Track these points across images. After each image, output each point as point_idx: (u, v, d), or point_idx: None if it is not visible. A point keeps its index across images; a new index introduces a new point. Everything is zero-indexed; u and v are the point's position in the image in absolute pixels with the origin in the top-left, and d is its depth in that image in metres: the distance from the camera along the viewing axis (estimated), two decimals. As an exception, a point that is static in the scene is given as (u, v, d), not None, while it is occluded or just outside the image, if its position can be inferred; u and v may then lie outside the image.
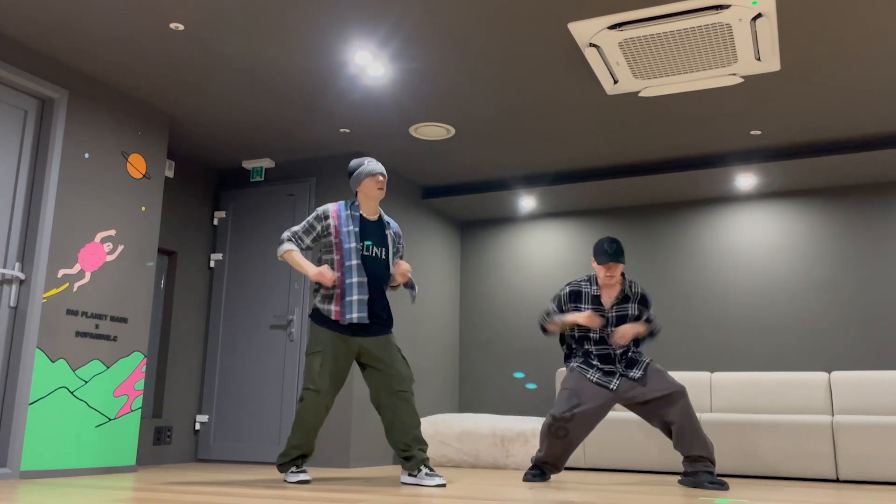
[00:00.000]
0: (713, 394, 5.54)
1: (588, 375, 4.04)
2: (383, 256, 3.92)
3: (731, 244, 6.06)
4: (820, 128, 4.97)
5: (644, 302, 4.15)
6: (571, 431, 3.96)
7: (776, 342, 5.76)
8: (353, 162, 3.98)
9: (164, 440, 5.23)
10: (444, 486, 3.69)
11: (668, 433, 3.98)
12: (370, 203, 3.95)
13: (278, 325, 5.51)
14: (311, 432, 3.79)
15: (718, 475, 4.93)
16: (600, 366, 4.05)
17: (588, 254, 6.50)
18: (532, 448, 5.29)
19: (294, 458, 3.83)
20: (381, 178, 3.92)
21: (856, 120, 4.83)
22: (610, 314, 4.09)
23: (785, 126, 4.95)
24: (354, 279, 3.77)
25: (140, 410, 4.54)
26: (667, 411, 3.93)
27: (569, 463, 5.31)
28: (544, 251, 6.67)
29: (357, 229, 3.85)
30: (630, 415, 5.19)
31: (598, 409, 3.99)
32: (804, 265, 5.82)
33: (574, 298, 4.14)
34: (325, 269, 3.77)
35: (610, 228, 6.48)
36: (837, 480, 4.75)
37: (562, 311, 4.16)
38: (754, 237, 6.00)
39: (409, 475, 3.77)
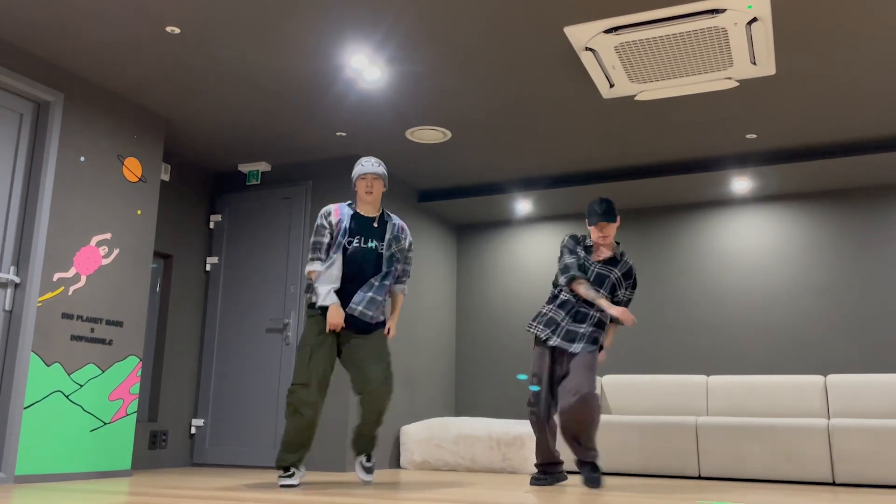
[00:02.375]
0: (709, 397, 5.54)
1: (543, 342, 4.11)
2: (372, 247, 3.95)
3: (726, 248, 6.07)
4: (815, 131, 4.98)
5: (629, 275, 4.16)
6: (541, 411, 4.04)
7: (772, 345, 5.77)
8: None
9: (159, 444, 5.21)
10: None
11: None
12: (363, 205, 4.05)
13: (274, 329, 5.50)
14: (299, 430, 3.82)
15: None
16: (566, 324, 4.08)
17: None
18: (528, 451, 5.28)
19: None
20: (369, 177, 3.97)
21: (851, 123, 4.85)
22: (592, 269, 4.12)
23: (780, 130, 4.96)
24: (334, 271, 3.88)
25: (135, 414, 4.53)
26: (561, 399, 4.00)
27: (564, 467, 5.31)
28: (540, 254, 6.68)
29: (349, 225, 3.94)
30: (626, 418, 5.19)
31: (549, 371, 4.08)
32: (800, 268, 5.83)
33: (575, 243, 4.21)
34: (334, 312, 3.82)
35: (606, 232, 6.48)
36: (833, 484, 4.76)
37: (578, 258, 4.18)
38: (750, 241, 6.01)
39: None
